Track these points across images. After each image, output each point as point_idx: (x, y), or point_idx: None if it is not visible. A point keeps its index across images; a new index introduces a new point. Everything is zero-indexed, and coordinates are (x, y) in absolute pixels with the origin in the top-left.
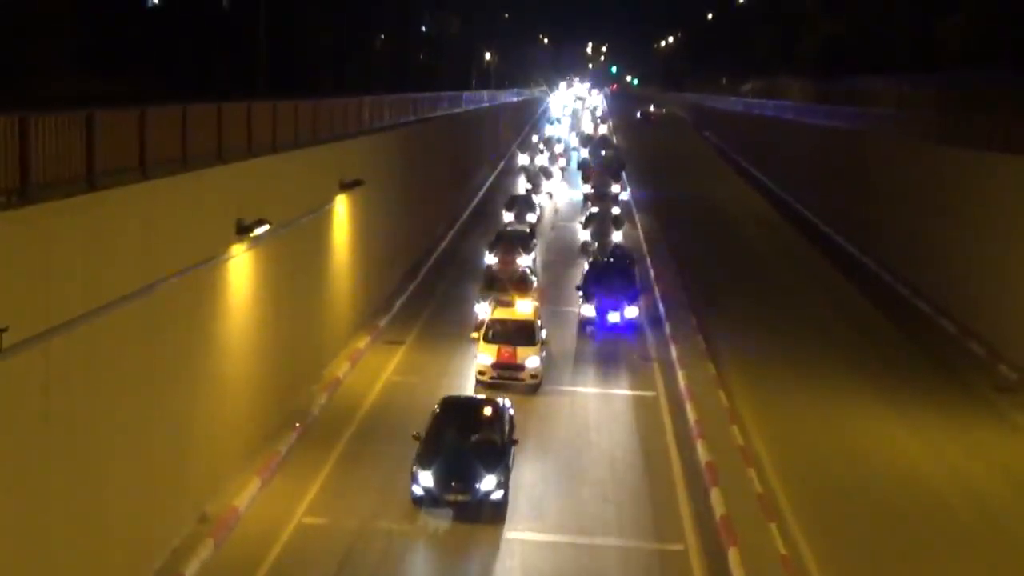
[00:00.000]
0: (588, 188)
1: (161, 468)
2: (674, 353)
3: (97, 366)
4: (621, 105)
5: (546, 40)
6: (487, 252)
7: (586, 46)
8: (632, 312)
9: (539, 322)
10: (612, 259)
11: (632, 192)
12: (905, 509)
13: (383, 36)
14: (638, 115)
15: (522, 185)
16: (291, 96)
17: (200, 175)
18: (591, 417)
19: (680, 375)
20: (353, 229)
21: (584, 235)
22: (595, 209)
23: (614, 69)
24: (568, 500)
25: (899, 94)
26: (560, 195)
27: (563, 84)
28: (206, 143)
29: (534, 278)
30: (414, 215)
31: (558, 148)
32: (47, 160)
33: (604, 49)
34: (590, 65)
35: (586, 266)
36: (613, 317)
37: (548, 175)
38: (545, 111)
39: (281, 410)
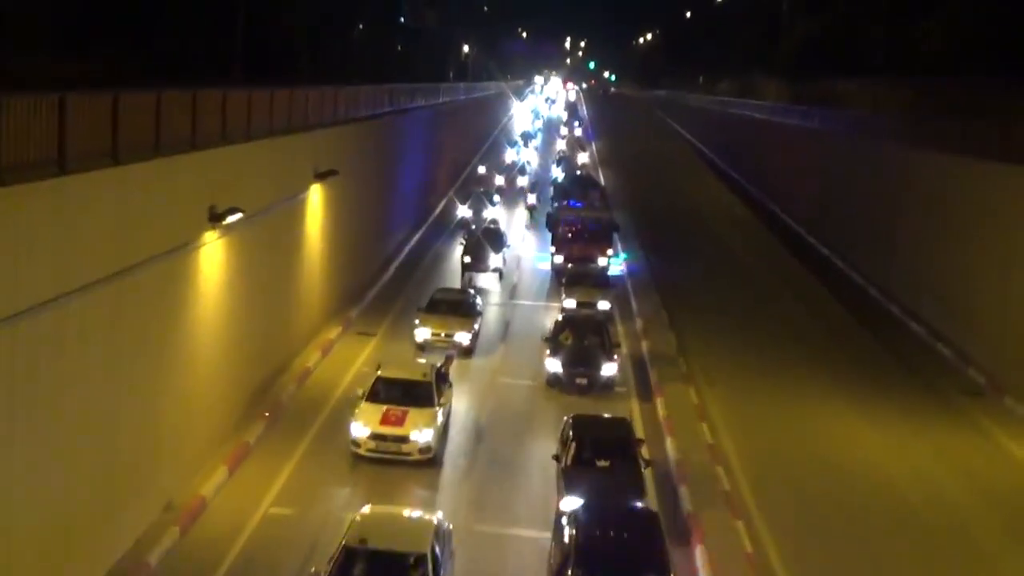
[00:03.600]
0: (559, 258)
1: (127, 455)
2: (644, 348)
3: (65, 352)
4: (600, 111)
5: (524, 34)
6: (359, 405)
7: (564, 41)
8: None
9: None
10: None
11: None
12: (870, 510)
13: (361, 26)
14: (600, 92)
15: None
16: (267, 82)
17: (173, 161)
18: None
19: (651, 371)
20: (326, 219)
21: (553, 366)
22: (569, 302)
23: (592, 65)
24: (528, 492)
25: (874, 97)
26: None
27: (539, 80)
28: (180, 129)
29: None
30: (388, 207)
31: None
32: (18, 142)
33: (583, 44)
34: (568, 60)
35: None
36: None
37: (500, 242)
38: (509, 121)
39: (250, 399)
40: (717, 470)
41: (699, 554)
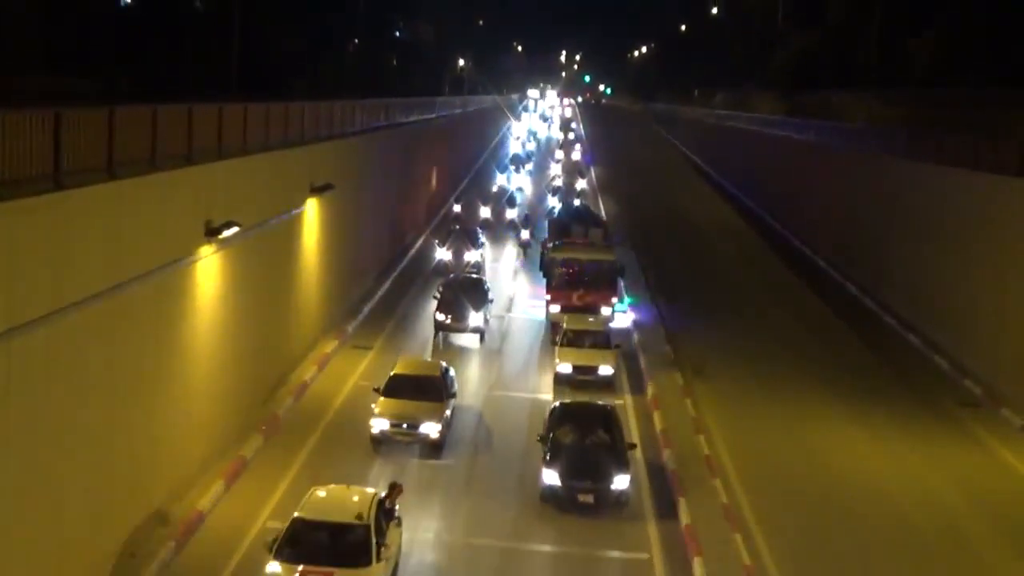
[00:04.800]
0: (555, 308)
1: (123, 469)
2: (642, 363)
3: (60, 366)
4: (598, 129)
5: (520, 48)
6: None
7: (560, 54)
8: None
9: None
10: None
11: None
12: (868, 521)
13: (356, 41)
14: (592, 102)
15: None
16: (263, 98)
17: (169, 176)
18: None
19: (648, 385)
20: (323, 233)
21: (549, 477)
22: (563, 367)
23: (587, 78)
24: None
25: (868, 109)
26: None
27: (534, 93)
28: (176, 144)
29: None
30: (386, 219)
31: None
32: (13, 157)
33: (578, 58)
34: (564, 74)
35: None
36: None
37: (481, 296)
38: (503, 142)
39: (247, 413)
40: None
41: (696, 566)
